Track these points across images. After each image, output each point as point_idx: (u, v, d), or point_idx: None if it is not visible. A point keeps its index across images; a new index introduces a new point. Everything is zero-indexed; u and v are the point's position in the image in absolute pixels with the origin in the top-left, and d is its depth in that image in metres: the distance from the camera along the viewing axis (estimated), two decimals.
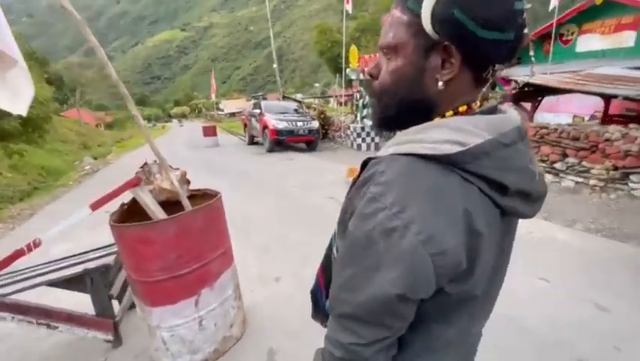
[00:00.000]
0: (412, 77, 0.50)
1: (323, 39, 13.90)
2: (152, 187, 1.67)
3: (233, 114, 42.25)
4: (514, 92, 6.00)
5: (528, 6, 0.45)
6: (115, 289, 2.06)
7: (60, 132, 17.84)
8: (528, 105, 6.43)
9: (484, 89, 0.49)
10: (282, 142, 9.82)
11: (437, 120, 0.50)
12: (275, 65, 17.25)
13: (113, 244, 2.19)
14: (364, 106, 9.83)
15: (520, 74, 8.06)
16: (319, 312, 0.73)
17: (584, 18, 10.33)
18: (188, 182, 1.98)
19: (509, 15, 0.43)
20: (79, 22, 1.39)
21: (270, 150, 9.84)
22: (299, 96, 20.22)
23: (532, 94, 6.06)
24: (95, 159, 14.70)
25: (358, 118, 9.86)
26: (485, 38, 0.44)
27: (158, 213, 1.61)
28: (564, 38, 11.13)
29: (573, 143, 4.52)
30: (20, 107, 1.63)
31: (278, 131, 9.55)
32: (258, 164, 8.36)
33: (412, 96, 0.51)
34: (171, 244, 1.58)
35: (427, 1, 0.44)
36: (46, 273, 1.89)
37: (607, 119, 6.52)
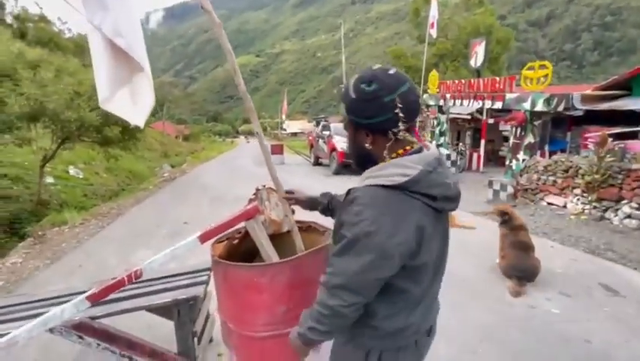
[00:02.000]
0: (355, 143, 0.89)
1: (397, 64, 13.62)
2: (263, 218, 1.40)
3: (295, 134, 43.80)
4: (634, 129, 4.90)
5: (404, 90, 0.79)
6: (198, 325, 1.82)
7: (147, 141, 20.06)
8: None
9: (392, 142, 0.82)
10: (350, 165, 9.54)
11: (388, 161, 0.82)
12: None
13: (201, 270, 1.99)
14: (441, 133, 9.17)
15: (635, 106, 6.71)
16: None
17: None
18: (293, 211, 1.69)
19: (381, 107, 0.79)
20: (216, 24, 1.21)
21: (337, 173, 9.62)
22: None
23: None
24: (173, 167, 16.07)
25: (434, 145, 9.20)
26: (370, 122, 0.82)
27: (271, 253, 1.32)
28: None
29: None
30: (139, 118, 1.51)
31: (347, 155, 9.32)
32: (327, 185, 8.14)
33: (360, 153, 0.89)
34: (282, 293, 1.27)
35: (343, 110, 0.88)
36: (134, 296, 1.72)
37: None
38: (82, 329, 1.58)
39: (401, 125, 0.78)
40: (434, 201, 0.80)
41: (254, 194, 1.44)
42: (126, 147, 9.33)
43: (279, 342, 1.30)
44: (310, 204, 1.36)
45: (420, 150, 0.83)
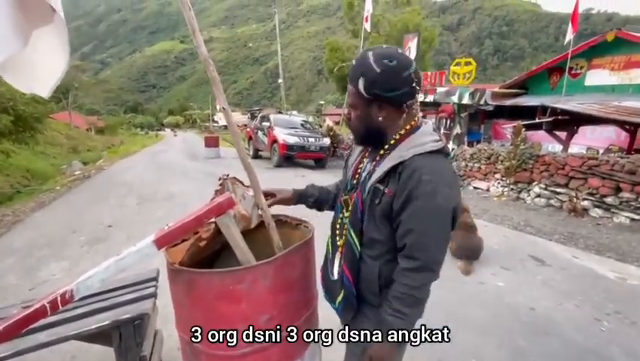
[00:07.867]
0: (367, 118, 0.92)
1: (334, 57, 13.76)
2: (232, 213, 1.17)
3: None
4: (548, 120, 5.76)
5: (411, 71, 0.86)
6: (147, 347, 1.50)
7: (48, 135, 16.88)
8: (563, 135, 6.21)
9: (404, 116, 0.91)
10: (292, 158, 9.36)
11: (418, 132, 0.91)
12: (280, 80, 17.09)
13: (146, 281, 1.65)
14: None
15: (532, 102, 7.89)
16: (352, 305, 1.04)
17: (594, 53, 10.54)
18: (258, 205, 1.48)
19: (401, 81, 0.85)
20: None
21: (279, 165, 9.36)
22: (294, 113, 20.28)
23: (568, 123, 5.85)
24: (85, 164, 13.88)
25: None
26: (391, 95, 0.87)
27: (248, 254, 1.10)
28: (573, 72, 11.30)
29: (629, 177, 4.22)
30: (42, 85, 1.11)
31: (288, 147, 9.11)
32: (271, 180, 7.84)
33: (371, 127, 0.93)
34: (264, 299, 1.07)
35: (360, 83, 0.87)
36: (57, 323, 1.33)
37: (633, 152, 6.37)
38: None
39: (414, 99, 0.89)
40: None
41: (220, 184, 1.20)
42: (21, 140, 7.73)
43: (261, 357, 1.11)
44: (298, 200, 1.27)
45: (421, 124, 0.94)
